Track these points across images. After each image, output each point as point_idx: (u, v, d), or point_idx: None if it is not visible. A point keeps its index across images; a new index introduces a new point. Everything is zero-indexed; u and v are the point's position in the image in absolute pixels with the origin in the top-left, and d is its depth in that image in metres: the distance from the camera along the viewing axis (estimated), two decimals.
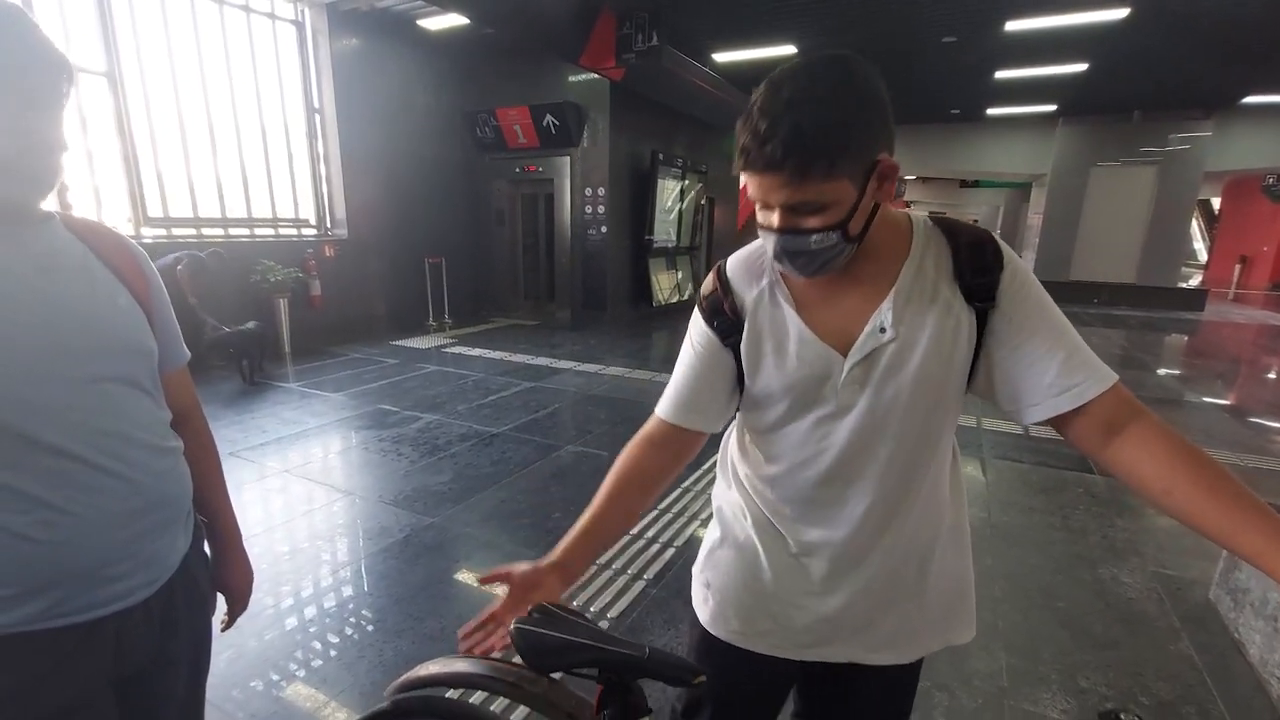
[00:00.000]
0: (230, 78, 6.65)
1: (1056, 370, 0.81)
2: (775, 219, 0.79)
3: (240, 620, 2.35)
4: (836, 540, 0.92)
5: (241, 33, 6.73)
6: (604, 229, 8.83)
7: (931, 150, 14.85)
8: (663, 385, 1.03)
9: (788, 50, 8.34)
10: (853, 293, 0.87)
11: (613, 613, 2.43)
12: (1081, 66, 8.90)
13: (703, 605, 1.07)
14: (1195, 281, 17.34)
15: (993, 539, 3.08)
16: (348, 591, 2.59)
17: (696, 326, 0.98)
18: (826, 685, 1.07)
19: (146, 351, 0.93)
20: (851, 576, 0.94)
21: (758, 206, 0.82)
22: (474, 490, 3.52)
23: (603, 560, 2.78)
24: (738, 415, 1.01)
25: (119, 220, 5.87)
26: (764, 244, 0.86)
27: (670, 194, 9.96)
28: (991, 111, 12.65)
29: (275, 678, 2.06)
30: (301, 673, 2.09)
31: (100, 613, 0.85)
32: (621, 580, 2.64)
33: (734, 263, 0.97)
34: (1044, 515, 3.31)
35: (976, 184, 23.78)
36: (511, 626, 0.84)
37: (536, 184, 9.30)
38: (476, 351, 7.29)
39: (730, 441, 1.05)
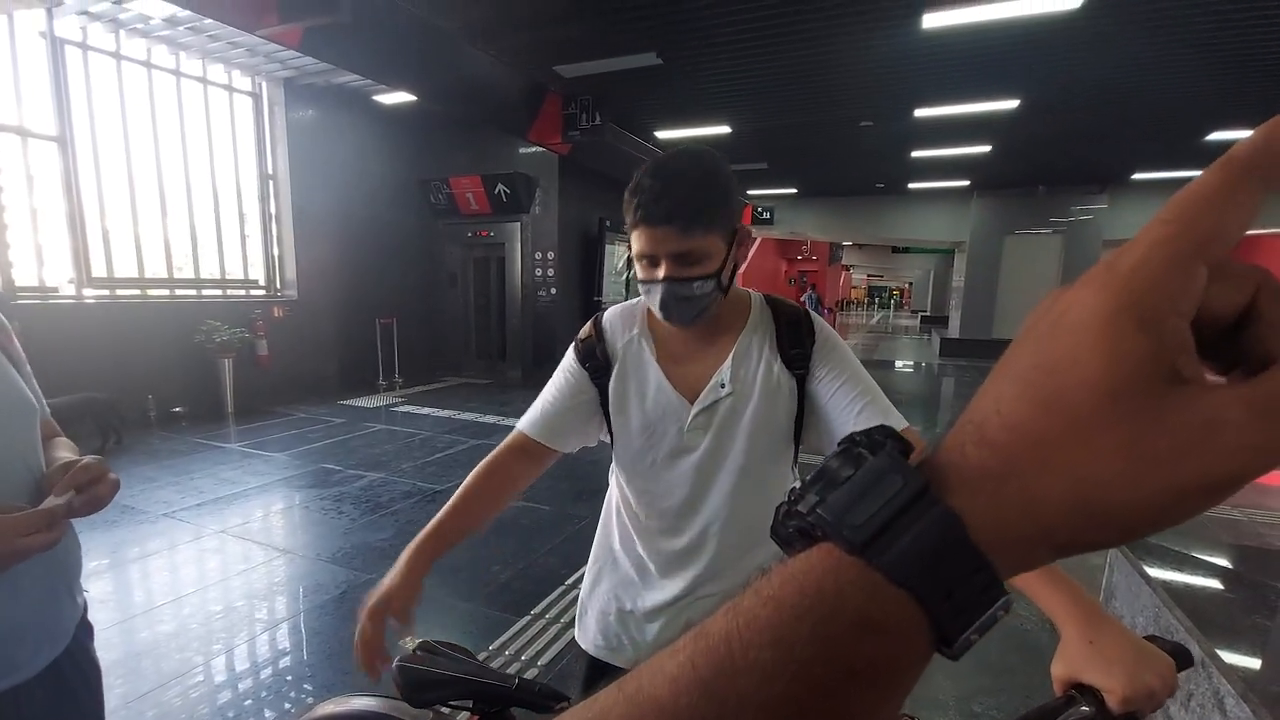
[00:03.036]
0: (184, 143, 6.80)
1: (853, 420, 0.99)
2: (663, 270, 0.96)
3: (167, 677, 2.38)
4: (685, 563, 1.09)
5: (198, 101, 6.93)
6: (554, 290, 9.13)
7: (862, 220, 15.92)
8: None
9: (723, 130, 9.01)
10: (702, 352, 1.07)
11: (543, 660, 2.53)
12: (986, 148, 9.86)
13: (579, 626, 1.22)
14: None
15: None
16: (280, 648, 2.63)
17: (570, 363, 1.13)
18: None
19: (33, 407, 0.95)
20: (696, 595, 1.10)
21: (643, 264, 0.99)
22: None
23: (536, 609, 2.89)
24: (614, 453, 1.17)
25: (60, 280, 5.84)
26: (647, 299, 1.02)
27: (620, 258, 10.39)
28: (913, 185, 13.73)
29: None
30: None
31: (3, 683, 0.84)
32: (553, 630, 2.75)
33: (610, 314, 1.14)
34: None
35: (907, 250, 25.35)
36: (394, 665, 0.93)
37: (488, 248, 9.60)
38: (426, 410, 7.34)
39: (611, 477, 1.21)
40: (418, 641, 0.97)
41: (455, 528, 1.06)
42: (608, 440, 1.16)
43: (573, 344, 1.15)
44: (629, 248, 1.06)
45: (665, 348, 1.09)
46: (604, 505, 1.22)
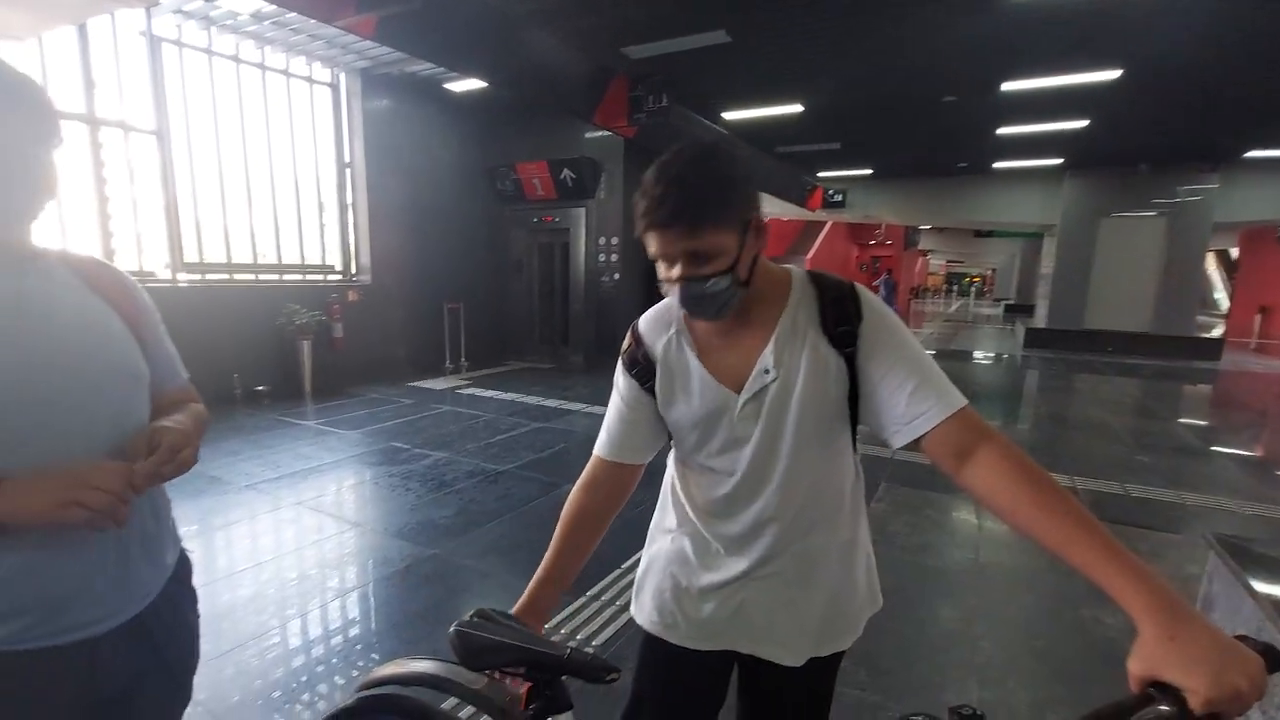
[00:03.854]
0: (268, 134, 7.17)
1: (905, 402, 0.93)
2: (677, 270, 0.95)
3: (245, 638, 2.50)
4: (742, 545, 1.07)
5: (281, 94, 7.28)
6: (617, 276, 9.13)
7: (941, 202, 15.11)
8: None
9: (795, 109, 8.72)
10: (743, 339, 1.03)
11: (598, 640, 2.53)
12: (1082, 123, 9.14)
13: (635, 602, 1.22)
14: (1219, 331, 17.14)
15: (978, 578, 3.13)
16: (347, 616, 2.73)
17: (620, 376, 1.15)
18: (756, 689, 1.18)
19: (137, 374, 0.98)
20: (752, 575, 1.07)
21: (661, 266, 0.98)
22: (476, 524, 3.66)
23: (592, 591, 2.89)
24: (672, 443, 1.16)
25: (157, 265, 6.27)
26: (670, 300, 1.03)
27: None
28: (998, 164, 12.91)
29: (273, 694, 2.19)
30: (296, 688, 2.22)
31: (74, 636, 0.86)
32: (608, 611, 2.74)
33: (645, 320, 1.14)
34: (1034, 556, 3.34)
35: (991, 234, 23.99)
36: (451, 629, 0.95)
37: (553, 233, 9.69)
38: (490, 393, 7.51)
39: (669, 460, 1.21)
40: (475, 609, 0.99)
41: (565, 565, 1.12)
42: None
43: (619, 357, 1.15)
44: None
45: (704, 341, 1.07)
46: (661, 487, 1.22)
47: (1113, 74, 6.93)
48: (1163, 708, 0.60)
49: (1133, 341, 12.53)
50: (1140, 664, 0.64)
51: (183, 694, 1.09)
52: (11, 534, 0.80)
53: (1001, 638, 2.62)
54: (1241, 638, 0.63)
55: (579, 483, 1.16)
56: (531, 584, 1.08)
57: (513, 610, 1.04)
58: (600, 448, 1.16)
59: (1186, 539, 3.64)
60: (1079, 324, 13.22)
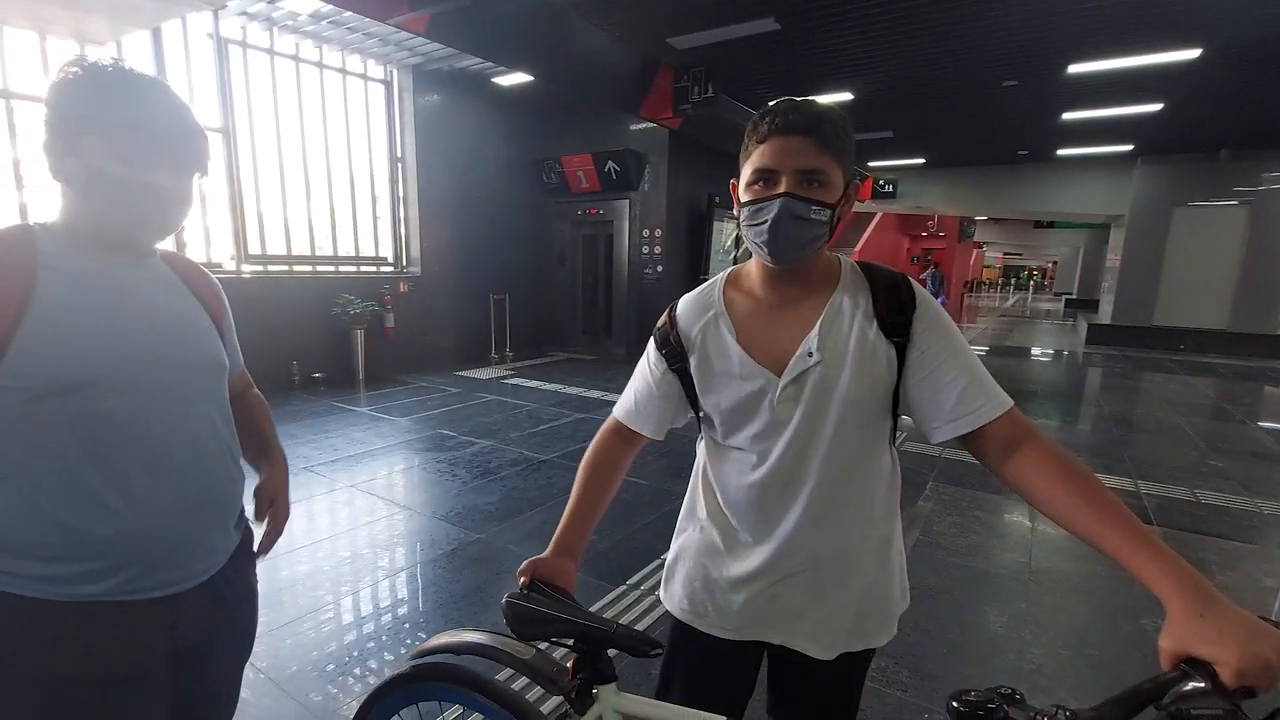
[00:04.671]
0: (326, 130, 7.41)
1: (956, 398, 0.93)
2: (784, 183, 0.93)
3: (303, 612, 2.61)
4: (773, 535, 1.05)
5: (337, 91, 7.52)
6: (660, 268, 9.12)
7: (999, 191, 14.48)
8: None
9: (844, 97, 8.51)
10: (786, 321, 1.02)
11: (638, 628, 2.54)
12: (1156, 106, 8.63)
13: (665, 590, 1.22)
14: None
15: (1029, 584, 3.02)
16: (397, 595, 2.83)
17: (651, 351, 1.16)
18: (785, 679, 1.18)
19: (223, 365, 1.10)
20: (783, 568, 1.05)
21: (755, 185, 0.95)
22: (519, 511, 3.73)
23: (631, 580, 2.91)
24: (703, 427, 1.15)
25: (223, 257, 6.58)
26: (749, 231, 0.98)
27: (727, 236, 10.20)
28: (1062, 152, 12.31)
29: (327, 666, 2.29)
30: (349, 662, 2.31)
31: (163, 592, 0.97)
32: (647, 600, 2.76)
33: (684, 302, 1.14)
34: (1090, 563, 3.21)
35: (1052, 225, 22.96)
36: (503, 601, 0.99)
37: (597, 225, 9.74)
38: (533, 383, 7.62)
39: (699, 446, 1.20)
40: (524, 575, 1.03)
41: (584, 516, 1.12)
42: (696, 420, 1.15)
43: (653, 332, 1.16)
44: (737, 207, 1.01)
45: (745, 323, 1.06)
46: (691, 474, 1.21)
47: (1191, 53, 6.51)
48: (1195, 683, 0.62)
49: (1208, 339, 11.83)
50: (1171, 641, 0.65)
51: (247, 649, 1.21)
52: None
53: (1053, 645, 2.53)
54: (1266, 619, 0.64)
55: (600, 432, 1.19)
56: (561, 527, 1.09)
57: (552, 552, 1.06)
58: (621, 410, 1.18)
59: (1261, 549, 3.44)
60: (1148, 320, 12.54)
